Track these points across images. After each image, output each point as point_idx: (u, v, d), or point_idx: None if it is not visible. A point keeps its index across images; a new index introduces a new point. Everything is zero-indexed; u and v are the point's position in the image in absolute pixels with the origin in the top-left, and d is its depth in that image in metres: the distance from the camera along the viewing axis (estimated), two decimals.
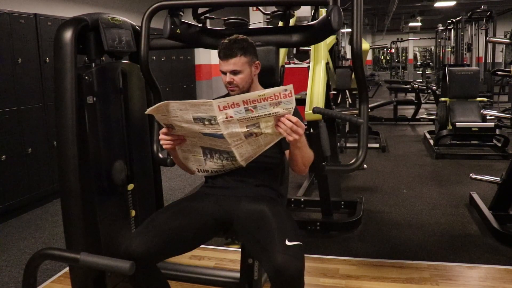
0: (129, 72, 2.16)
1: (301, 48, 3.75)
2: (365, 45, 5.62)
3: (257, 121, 1.42)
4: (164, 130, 1.56)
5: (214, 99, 1.43)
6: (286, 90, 1.36)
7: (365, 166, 3.80)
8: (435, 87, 7.52)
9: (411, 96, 9.10)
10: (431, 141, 5.78)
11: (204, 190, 1.78)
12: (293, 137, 1.44)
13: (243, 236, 1.64)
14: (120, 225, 2.13)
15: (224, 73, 1.68)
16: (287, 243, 1.43)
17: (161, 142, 1.60)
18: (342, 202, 3.50)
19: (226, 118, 1.40)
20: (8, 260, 2.82)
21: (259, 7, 2.56)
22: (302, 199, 3.59)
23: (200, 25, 2.11)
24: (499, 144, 5.34)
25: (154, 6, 1.92)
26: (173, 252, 1.67)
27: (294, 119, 1.42)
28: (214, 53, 7.66)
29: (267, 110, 1.39)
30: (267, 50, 1.93)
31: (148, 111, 1.49)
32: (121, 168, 2.08)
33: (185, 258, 2.52)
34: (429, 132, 6.37)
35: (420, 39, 17.89)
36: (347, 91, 5.41)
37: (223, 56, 1.66)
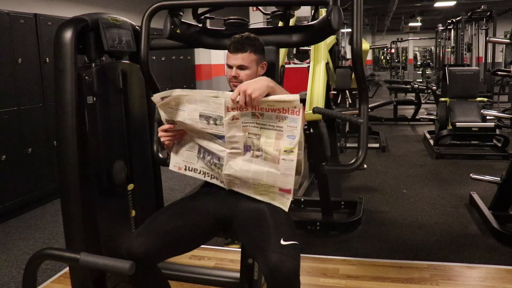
0: (129, 72, 2.16)
1: (301, 48, 3.74)
2: (365, 45, 5.62)
3: (259, 131, 1.42)
4: (164, 127, 1.56)
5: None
6: (295, 107, 1.36)
7: (365, 166, 3.79)
8: (435, 87, 7.52)
9: (411, 96, 9.09)
10: (431, 141, 5.78)
11: (204, 190, 1.78)
12: (253, 96, 1.38)
13: (241, 235, 1.64)
14: (120, 225, 2.13)
15: (231, 67, 1.67)
16: (282, 242, 1.42)
17: (162, 139, 1.59)
18: (342, 202, 3.50)
19: (232, 119, 1.41)
20: (8, 260, 2.82)
21: (259, 7, 2.56)
22: (302, 199, 3.59)
23: (200, 25, 2.11)
24: (499, 144, 5.34)
25: (154, 6, 1.92)
26: (174, 252, 1.67)
27: (235, 94, 1.39)
28: (214, 53, 7.70)
29: (272, 122, 1.39)
30: (267, 50, 1.93)
31: (158, 105, 1.51)
32: (121, 168, 2.08)
33: (185, 258, 2.52)
34: (429, 132, 6.37)
35: (420, 39, 17.88)
36: (347, 91, 5.41)
37: (233, 49, 1.65)
